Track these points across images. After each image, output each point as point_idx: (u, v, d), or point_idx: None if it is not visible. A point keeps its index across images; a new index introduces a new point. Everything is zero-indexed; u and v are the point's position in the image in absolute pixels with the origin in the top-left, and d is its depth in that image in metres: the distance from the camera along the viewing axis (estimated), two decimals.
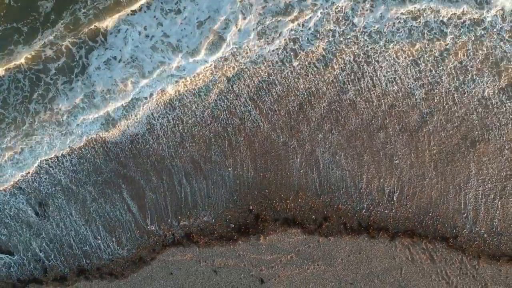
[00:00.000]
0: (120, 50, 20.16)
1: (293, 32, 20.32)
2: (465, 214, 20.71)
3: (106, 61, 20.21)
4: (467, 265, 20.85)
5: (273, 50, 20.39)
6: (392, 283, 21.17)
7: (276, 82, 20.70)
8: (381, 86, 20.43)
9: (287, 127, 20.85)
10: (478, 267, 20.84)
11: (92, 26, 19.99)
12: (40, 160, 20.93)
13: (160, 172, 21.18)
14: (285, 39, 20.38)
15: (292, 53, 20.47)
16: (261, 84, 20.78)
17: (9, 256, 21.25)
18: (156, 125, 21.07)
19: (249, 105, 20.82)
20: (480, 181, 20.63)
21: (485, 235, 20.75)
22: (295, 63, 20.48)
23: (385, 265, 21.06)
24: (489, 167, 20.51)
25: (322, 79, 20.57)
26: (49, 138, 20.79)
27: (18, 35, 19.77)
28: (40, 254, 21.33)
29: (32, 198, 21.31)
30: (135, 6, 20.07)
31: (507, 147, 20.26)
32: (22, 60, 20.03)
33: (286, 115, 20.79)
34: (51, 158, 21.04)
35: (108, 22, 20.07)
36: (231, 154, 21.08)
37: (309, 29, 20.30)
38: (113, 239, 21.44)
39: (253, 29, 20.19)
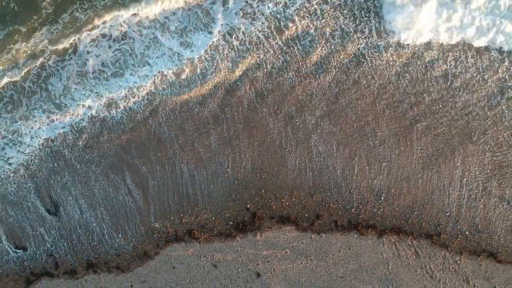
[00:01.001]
0: (108, 29, 20.32)
1: (275, 10, 20.42)
2: (449, 213, 21.23)
3: (95, 39, 20.29)
4: (450, 260, 21.29)
5: (259, 30, 20.49)
6: (379, 277, 21.42)
7: (267, 61, 20.76)
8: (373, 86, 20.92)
9: (281, 111, 20.90)
10: (460, 262, 21.29)
11: (90, 22, 20.19)
12: (42, 139, 20.91)
13: (163, 160, 21.14)
14: (267, 16, 20.40)
15: (276, 32, 20.59)
16: (253, 64, 20.81)
17: (23, 251, 21.35)
18: (157, 106, 20.91)
19: (244, 81, 20.87)
20: (463, 182, 21.12)
21: (467, 233, 21.27)
22: (280, 42, 20.61)
23: (373, 260, 21.38)
24: (471, 169, 21.04)
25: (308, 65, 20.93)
26: (48, 118, 20.72)
27: (18, 35, 19.98)
28: (52, 248, 21.39)
29: (41, 189, 21.23)
30: (135, 5, 20.23)
31: (488, 150, 20.85)
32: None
33: (280, 97, 20.94)
34: (54, 138, 20.99)
35: (106, 18, 20.24)
36: (229, 143, 21.11)
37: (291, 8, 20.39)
38: (120, 235, 21.46)
39: (240, 8, 20.29)
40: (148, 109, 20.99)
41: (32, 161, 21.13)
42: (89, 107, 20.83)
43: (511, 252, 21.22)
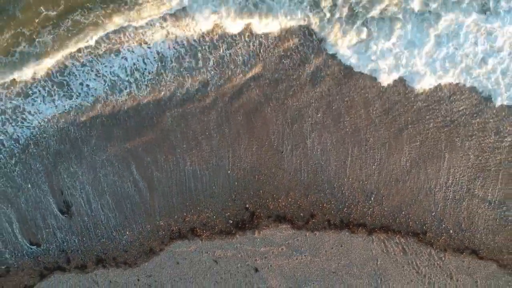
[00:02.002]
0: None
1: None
2: (434, 213, 21.90)
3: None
4: (435, 257, 21.94)
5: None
6: (369, 272, 21.92)
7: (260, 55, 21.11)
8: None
9: (279, 117, 21.21)
10: (444, 258, 21.96)
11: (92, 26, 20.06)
12: (48, 117, 20.67)
13: (168, 162, 21.26)
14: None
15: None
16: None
17: (37, 247, 21.60)
18: (161, 91, 20.85)
19: (245, 86, 21.13)
20: (448, 184, 21.83)
21: (451, 231, 21.97)
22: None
23: (363, 256, 21.90)
24: (456, 172, 21.79)
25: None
26: (50, 97, 20.38)
27: (22, 37, 20.00)
28: (64, 244, 21.58)
29: (54, 185, 21.20)
30: (140, 21, 20.25)
31: (471, 154, 21.68)
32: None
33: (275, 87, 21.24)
34: (58, 117, 20.75)
35: (108, 25, 20.16)
36: (230, 146, 21.34)
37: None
38: (127, 232, 21.65)
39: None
40: (153, 100, 20.96)
41: (40, 136, 20.93)
42: (95, 89, 20.55)
43: (492, 249, 22.00)
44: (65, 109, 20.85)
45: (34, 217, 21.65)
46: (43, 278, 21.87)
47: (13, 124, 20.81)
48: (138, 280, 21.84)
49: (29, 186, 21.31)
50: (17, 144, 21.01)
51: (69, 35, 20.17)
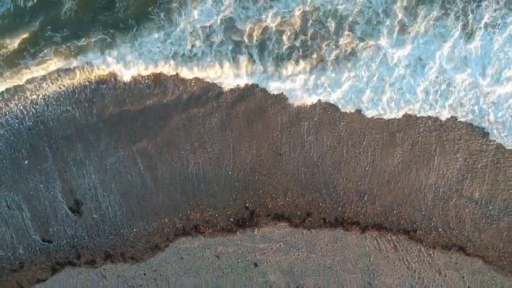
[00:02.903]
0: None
1: None
2: (424, 212, 22.47)
3: None
4: (424, 253, 22.48)
5: None
6: (362, 268, 22.39)
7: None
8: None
9: (278, 121, 21.59)
10: (433, 255, 22.50)
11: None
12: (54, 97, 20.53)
13: (173, 163, 21.50)
14: None
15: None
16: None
17: (49, 243, 22.00)
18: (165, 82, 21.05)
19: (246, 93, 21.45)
20: (437, 184, 22.37)
21: (440, 229, 22.54)
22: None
23: (357, 253, 22.35)
24: (445, 173, 22.38)
25: None
26: (56, 85, 20.49)
27: (26, 54, 20.36)
28: (74, 240, 21.92)
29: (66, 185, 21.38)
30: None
31: (459, 157, 22.24)
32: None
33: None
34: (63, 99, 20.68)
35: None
36: (231, 148, 21.64)
37: None
38: (134, 229, 22.03)
39: None
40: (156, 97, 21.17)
41: (45, 118, 20.85)
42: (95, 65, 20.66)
43: (478, 246, 22.64)
44: (70, 89, 20.71)
45: (45, 208, 21.73)
46: (55, 273, 22.35)
47: (16, 103, 20.59)
48: (145, 274, 22.26)
49: (41, 186, 21.73)
50: (23, 124, 20.82)
51: (72, 53, 20.75)
